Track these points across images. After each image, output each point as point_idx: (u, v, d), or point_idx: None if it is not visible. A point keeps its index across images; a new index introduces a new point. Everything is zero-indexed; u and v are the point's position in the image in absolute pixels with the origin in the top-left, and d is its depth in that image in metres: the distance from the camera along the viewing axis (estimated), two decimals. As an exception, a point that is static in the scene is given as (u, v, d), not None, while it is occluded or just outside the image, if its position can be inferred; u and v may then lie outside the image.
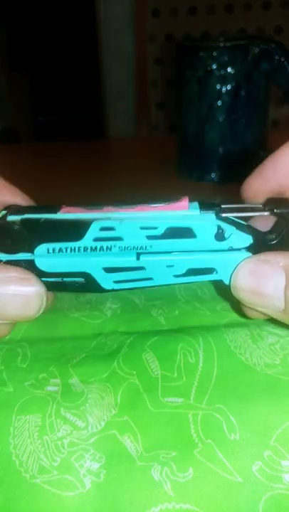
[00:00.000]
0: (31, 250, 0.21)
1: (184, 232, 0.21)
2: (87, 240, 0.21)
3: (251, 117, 0.52)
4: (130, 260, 0.21)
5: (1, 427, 0.21)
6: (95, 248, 0.21)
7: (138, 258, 0.21)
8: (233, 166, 0.53)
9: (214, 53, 0.49)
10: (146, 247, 0.21)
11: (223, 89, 0.50)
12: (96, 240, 0.21)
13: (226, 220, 0.21)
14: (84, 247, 0.21)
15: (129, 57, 1.30)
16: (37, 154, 0.70)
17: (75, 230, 0.21)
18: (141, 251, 0.21)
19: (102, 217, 0.21)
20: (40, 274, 0.21)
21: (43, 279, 0.21)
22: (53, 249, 0.21)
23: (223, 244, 0.21)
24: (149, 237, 0.21)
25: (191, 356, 0.23)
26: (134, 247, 0.21)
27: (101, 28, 1.35)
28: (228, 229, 0.21)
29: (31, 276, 0.21)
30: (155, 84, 1.27)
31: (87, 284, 0.22)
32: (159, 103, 1.28)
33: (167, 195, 0.22)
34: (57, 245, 0.21)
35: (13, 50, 1.73)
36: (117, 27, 1.32)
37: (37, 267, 0.21)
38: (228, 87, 0.50)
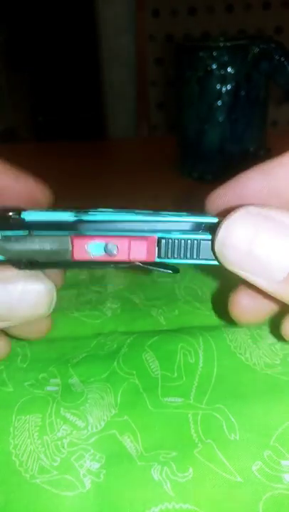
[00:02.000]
0: None
1: None
2: None
3: (251, 117, 0.52)
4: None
5: (1, 427, 0.21)
6: None
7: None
8: (233, 166, 0.53)
9: (214, 53, 0.49)
10: None
11: (223, 89, 0.50)
12: None
13: None
14: None
15: (129, 57, 1.30)
16: (37, 154, 0.70)
17: None
18: None
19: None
20: None
21: None
22: None
23: None
24: None
25: (191, 356, 0.23)
26: None
27: (101, 28, 1.35)
28: None
29: (38, 273, 0.19)
30: (155, 84, 1.27)
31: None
32: (159, 103, 1.28)
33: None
34: None
35: (13, 50, 1.73)
36: (117, 27, 1.32)
37: None
38: (228, 87, 0.50)
